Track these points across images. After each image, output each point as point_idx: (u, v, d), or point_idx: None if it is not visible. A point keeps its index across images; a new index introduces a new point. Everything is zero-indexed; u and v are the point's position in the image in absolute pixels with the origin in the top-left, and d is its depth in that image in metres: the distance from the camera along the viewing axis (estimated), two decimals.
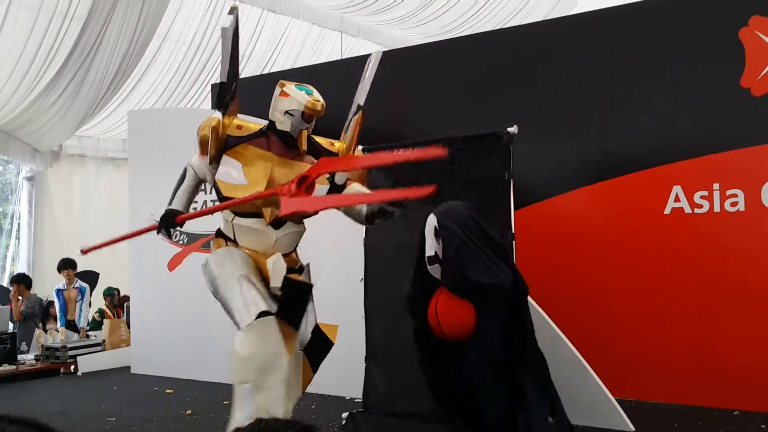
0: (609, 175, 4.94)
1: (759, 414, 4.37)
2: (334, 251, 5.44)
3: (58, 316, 8.15)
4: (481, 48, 5.86)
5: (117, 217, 9.01)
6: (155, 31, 8.91)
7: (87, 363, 6.93)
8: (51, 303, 8.37)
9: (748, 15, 4.60)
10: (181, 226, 3.75)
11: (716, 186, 4.65)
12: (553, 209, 5.14)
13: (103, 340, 7.46)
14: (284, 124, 3.65)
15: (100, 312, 8.57)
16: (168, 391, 5.85)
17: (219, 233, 3.83)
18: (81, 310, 8.10)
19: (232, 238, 3.72)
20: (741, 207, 4.58)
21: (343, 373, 5.13)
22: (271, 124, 3.71)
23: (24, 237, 9.78)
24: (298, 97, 3.62)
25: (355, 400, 5.16)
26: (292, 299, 3.54)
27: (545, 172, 5.13)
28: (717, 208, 4.65)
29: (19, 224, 9.87)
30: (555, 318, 4.32)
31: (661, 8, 5.03)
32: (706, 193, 4.69)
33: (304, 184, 3.36)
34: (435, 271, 3.43)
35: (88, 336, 7.78)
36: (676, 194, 4.76)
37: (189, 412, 5.12)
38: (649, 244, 4.85)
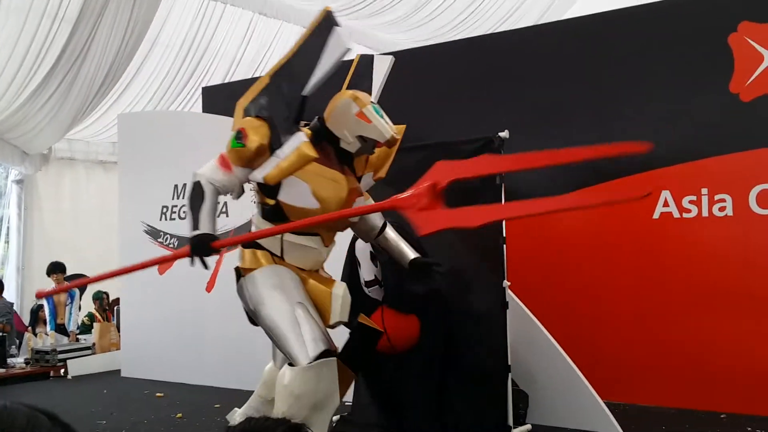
0: (599, 179, 4.96)
1: (746, 416, 4.40)
2: None
3: (47, 320, 8.12)
4: (472, 52, 5.88)
5: (107, 220, 9.00)
6: (145, 35, 8.89)
7: (77, 366, 6.90)
8: (40, 307, 8.34)
9: (738, 21, 4.64)
10: (218, 253, 3.35)
11: (704, 191, 4.68)
12: (542, 215, 5.16)
13: (93, 344, 7.44)
14: (351, 146, 3.41)
15: (90, 315, 8.54)
16: (158, 394, 5.83)
17: (256, 246, 3.45)
18: (71, 313, 8.07)
19: (279, 254, 3.40)
20: (729, 212, 4.62)
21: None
22: (329, 133, 3.44)
23: (13, 241, 9.73)
24: (381, 129, 3.36)
25: (346, 404, 5.16)
26: (361, 344, 3.35)
27: (536, 177, 5.15)
28: (705, 213, 4.68)
29: (8, 228, 9.81)
30: (545, 321, 4.34)
31: (651, 14, 5.07)
32: (694, 197, 4.72)
33: (435, 194, 2.86)
34: (375, 292, 3.79)
35: (77, 339, 7.75)
36: (665, 199, 4.79)
37: (179, 415, 5.11)
38: (638, 248, 4.87)
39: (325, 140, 3.41)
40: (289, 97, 3.43)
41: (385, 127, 3.36)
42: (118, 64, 8.80)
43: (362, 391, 4.83)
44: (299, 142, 3.30)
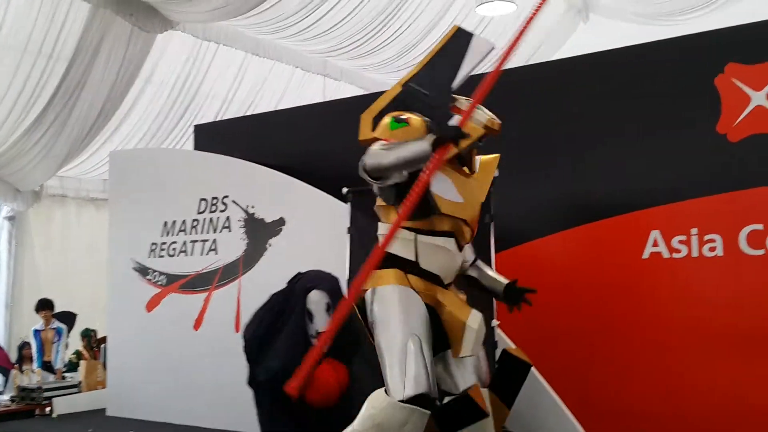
0: (588, 219, 4.97)
1: None
2: None
3: (34, 357, 8.04)
4: (461, 92, 5.92)
5: (96, 257, 8.96)
6: (139, 73, 8.96)
7: (62, 405, 6.80)
8: (26, 344, 8.26)
9: (725, 62, 4.69)
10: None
11: (694, 231, 4.68)
12: (532, 253, 5.16)
13: (80, 382, 7.35)
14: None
15: (77, 353, 8.46)
16: None
17: (391, 258, 3.28)
18: (58, 351, 8.00)
19: (414, 259, 3.30)
20: (719, 252, 4.61)
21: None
22: None
23: (3, 277, 9.68)
24: (478, 117, 3.39)
25: None
26: (509, 375, 3.34)
27: (525, 216, 5.16)
28: (695, 253, 4.67)
29: None
30: (534, 361, 4.30)
31: (639, 55, 5.12)
32: (684, 237, 4.72)
33: None
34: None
35: (64, 377, 7.66)
36: (655, 239, 4.79)
37: None
38: (627, 288, 4.86)
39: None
40: (434, 91, 3.50)
41: (481, 114, 3.41)
42: (112, 101, 8.86)
43: None
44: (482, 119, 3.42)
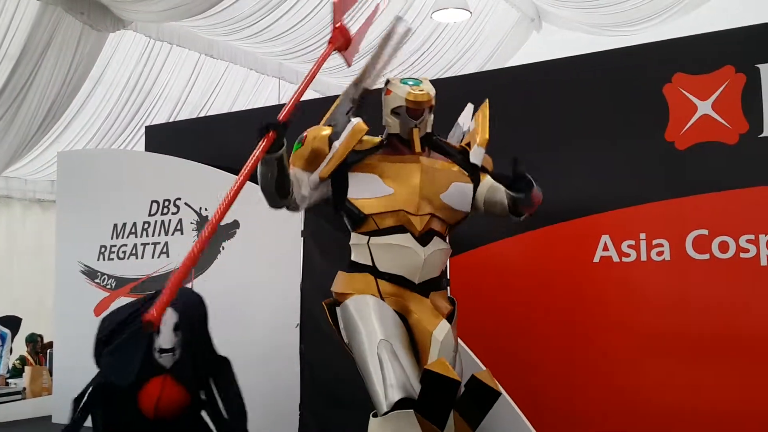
0: (540, 223, 5.03)
1: None
2: (268, 296, 5.38)
3: None
4: None
5: (43, 260, 8.75)
6: (89, 73, 8.80)
7: (5, 412, 6.62)
8: None
9: (672, 72, 4.81)
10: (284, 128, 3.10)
11: (642, 236, 4.78)
12: (486, 257, 5.20)
13: (24, 388, 7.17)
14: (393, 127, 3.34)
15: (21, 359, 8.25)
16: None
17: (351, 266, 3.29)
18: (0, 356, 7.78)
19: (371, 263, 3.21)
20: (666, 256, 4.71)
21: (278, 421, 5.04)
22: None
23: None
24: (398, 92, 3.28)
25: None
26: (476, 402, 2.99)
27: (478, 221, 5.19)
28: (644, 257, 4.77)
29: None
30: (486, 365, 4.33)
31: (590, 64, 5.22)
32: (633, 242, 4.81)
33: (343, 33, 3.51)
34: (166, 360, 4.00)
35: (7, 384, 7.46)
36: (605, 243, 4.87)
37: None
38: (578, 291, 4.93)
39: (393, 138, 3.36)
40: (353, 95, 3.50)
41: (403, 88, 3.27)
42: (60, 101, 8.68)
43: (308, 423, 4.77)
44: (353, 124, 3.30)
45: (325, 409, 4.79)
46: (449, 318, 3.28)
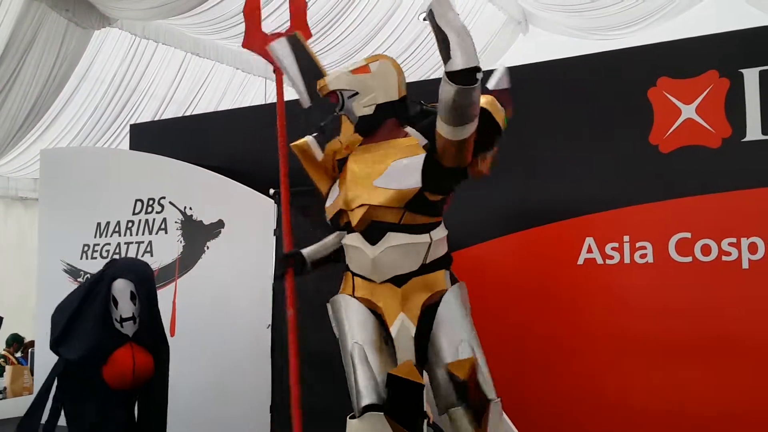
0: (525, 225, 5.05)
1: None
2: (241, 296, 5.36)
3: None
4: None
5: (25, 258, 8.69)
6: (74, 70, 8.74)
7: None
8: None
9: (657, 76, 4.84)
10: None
11: (626, 238, 4.80)
12: (468, 260, 5.21)
13: (5, 388, 7.11)
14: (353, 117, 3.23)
15: (3, 358, 8.18)
16: None
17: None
18: None
19: (348, 264, 3.16)
20: (650, 259, 4.74)
21: (251, 425, 5.04)
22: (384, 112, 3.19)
23: None
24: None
25: None
26: (399, 398, 2.85)
27: (462, 223, 5.21)
28: (627, 260, 4.80)
29: None
30: None
31: (576, 66, 5.24)
32: (616, 245, 4.84)
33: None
34: (128, 328, 4.20)
35: None
36: (589, 245, 4.89)
37: None
38: (562, 293, 4.95)
39: (379, 124, 3.15)
40: None
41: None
42: (44, 99, 8.61)
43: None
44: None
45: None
46: (434, 305, 3.05)
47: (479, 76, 2.83)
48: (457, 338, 3.00)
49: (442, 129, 2.92)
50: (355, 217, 3.02)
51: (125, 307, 4.23)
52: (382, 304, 3.04)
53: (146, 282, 4.45)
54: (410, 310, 3.01)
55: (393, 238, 2.97)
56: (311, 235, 4.85)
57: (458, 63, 2.77)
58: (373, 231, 3.00)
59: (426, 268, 3.05)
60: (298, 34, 3.63)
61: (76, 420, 4.27)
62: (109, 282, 4.29)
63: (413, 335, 2.99)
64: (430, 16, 2.77)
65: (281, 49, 3.53)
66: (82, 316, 4.27)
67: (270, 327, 4.95)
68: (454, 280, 3.24)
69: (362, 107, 3.10)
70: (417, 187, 2.95)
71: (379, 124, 3.13)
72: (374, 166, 3.03)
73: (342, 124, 3.26)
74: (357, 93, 3.10)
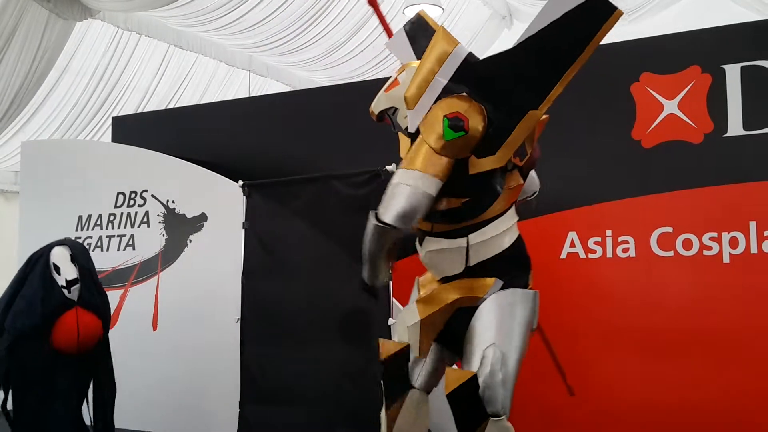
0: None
1: None
2: (225, 289, 5.34)
3: None
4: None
5: (5, 252, 8.59)
6: (55, 62, 8.65)
7: None
8: None
9: (640, 72, 4.86)
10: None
11: (609, 233, 4.83)
12: None
13: None
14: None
15: None
16: None
17: None
18: None
19: None
20: (632, 253, 4.78)
21: (223, 417, 5.04)
22: None
23: None
24: None
25: None
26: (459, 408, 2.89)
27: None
28: (609, 254, 4.83)
29: None
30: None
31: None
32: (599, 239, 4.87)
33: None
34: (74, 293, 4.22)
35: None
36: (572, 239, 4.92)
37: None
38: (545, 287, 4.96)
39: None
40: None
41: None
42: (25, 91, 8.51)
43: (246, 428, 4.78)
44: None
45: (265, 406, 4.79)
46: (470, 309, 3.03)
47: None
48: (483, 343, 2.90)
49: None
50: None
51: (68, 270, 4.27)
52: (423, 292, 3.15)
53: (80, 247, 4.54)
54: (437, 304, 3.05)
55: (430, 243, 3.06)
56: (289, 223, 4.87)
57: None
58: (419, 235, 3.12)
59: (474, 271, 3.04)
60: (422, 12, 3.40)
61: (22, 399, 4.24)
62: (46, 252, 4.35)
63: (411, 324, 3.05)
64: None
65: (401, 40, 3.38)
66: (26, 289, 4.28)
67: (239, 321, 4.95)
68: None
69: (404, 119, 3.09)
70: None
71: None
72: None
73: (402, 142, 3.25)
74: (396, 108, 3.12)
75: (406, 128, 3.06)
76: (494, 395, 2.79)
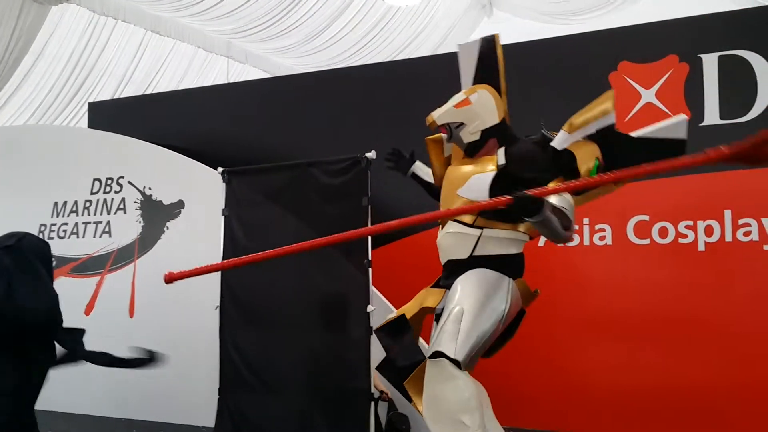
0: None
1: None
2: (201, 277, 5.31)
3: None
4: (363, 79, 5.96)
5: None
6: (30, 47, 8.53)
7: None
8: None
9: (617, 60, 4.88)
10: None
11: (586, 221, 4.86)
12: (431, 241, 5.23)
13: None
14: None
15: None
16: None
17: None
18: None
19: None
20: (608, 241, 4.81)
21: (201, 404, 5.04)
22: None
23: None
24: None
25: None
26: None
27: (429, 205, 5.22)
28: (587, 242, 4.86)
29: None
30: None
31: (540, 49, 5.27)
32: (577, 227, 4.88)
33: None
34: None
35: None
36: None
37: None
38: (524, 275, 4.99)
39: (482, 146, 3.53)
40: None
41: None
42: (0, 76, 8.40)
43: (225, 416, 4.77)
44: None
45: (244, 393, 4.78)
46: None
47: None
48: (450, 305, 3.32)
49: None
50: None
51: None
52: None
53: (40, 246, 4.31)
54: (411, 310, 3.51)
55: (450, 226, 3.46)
56: (268, 210, 4.86)
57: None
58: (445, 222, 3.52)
59: (475, 262, 3.39)
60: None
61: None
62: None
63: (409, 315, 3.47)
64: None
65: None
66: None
67: (218, 308, 4.93)
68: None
69: (469, 134, 3.50)
70: (484, 200, 3.35)
71: (483, 145, 3.52)
72: (462, 177, 3.48)
73: (453, 149, 3.67)
74: (463, 124, 3.48)
75: (468, 143, 3.48)
76: (439, 339, 3.21)
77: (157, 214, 5.70)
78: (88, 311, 5.86)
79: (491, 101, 3.60)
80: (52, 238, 6.17)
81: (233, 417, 4.77)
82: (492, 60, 3.69)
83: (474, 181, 3.42)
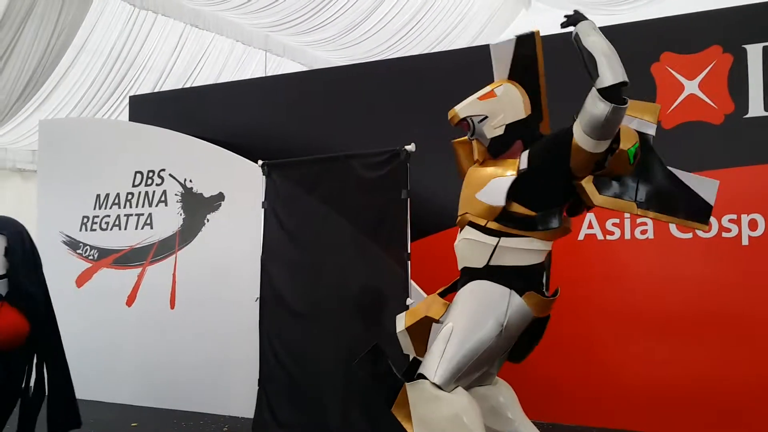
0: None
1: None
2: (241, 268, 5.37)
3: None
4: (400, 72, 5.94)
5: None
6: (72, 41, 8.67)
7: None
8: None
9: (660, 51, 4.81)
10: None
11: (627, 214, 4.80)
12: None
13: None
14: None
15: None
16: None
17: None
18: None
19: None
20: (650, 235, 4.75)
21: (241, 395, 5.08)
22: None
23: None
24: None
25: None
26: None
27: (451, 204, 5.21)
28: (627, 236, 4.80)
29: None
30: None
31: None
32: (617, 221, 4.84)
33: None
34: (1, 287, 3.95)
35: None
36: (590, 221, 4.90)
37: None
38: (563, 268, 4.95)
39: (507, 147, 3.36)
40: None
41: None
42: (42, 69, 8.55)
43: (264, 407, 4.81)
44: None
45: (283, 385, 4.82)
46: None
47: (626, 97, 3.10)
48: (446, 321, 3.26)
49: (585, 143, 3.13)
50: (459, 218, 3.40)
51: None
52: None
53: (19, 236, 4.17)
54: (416, 316, 3.41)
55: (467, 232, 3.33)
56: (308, 203, 4.88)
57: (608, 79, 3.11)
58: (463, 225, 3.39)
59: (491, 272, 3.26)
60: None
61: None
62: None
63: (399, 331, 3.42)
64: (576, 39, 3.22)
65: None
66: None
67: (258, 300, 4.96)
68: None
69: (493, 129, 3.32)
70: (500, 205, 3.24)
71: (509, 145, 3.33)
72: (481, 180, 3.32)
73: (475, 147, 3.43)
74: (486, 117, 3.33)
75: (492, 138, 3.32)
76: (425, 360, 3.19)
77: (198, 207, 5.77)
78: (129, 302, 5.95)
79: (518, 95, 3.42)
80: (95, 230, 6.28)
81: (272, 408, 4.81)
82: (528, 59, 3.50)
83: (493, 184, 3.28)
